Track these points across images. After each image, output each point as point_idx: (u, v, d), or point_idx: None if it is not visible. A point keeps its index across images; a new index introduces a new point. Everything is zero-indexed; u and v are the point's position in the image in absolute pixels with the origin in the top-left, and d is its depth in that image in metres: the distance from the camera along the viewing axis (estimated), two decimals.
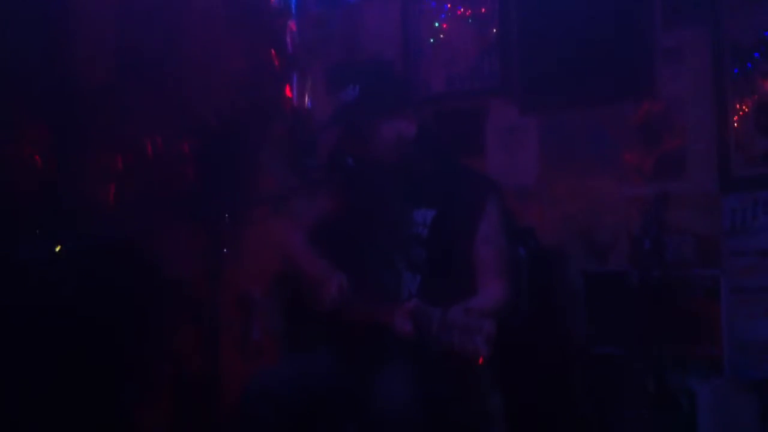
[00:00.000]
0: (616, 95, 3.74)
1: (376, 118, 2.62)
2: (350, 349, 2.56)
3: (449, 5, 4.30)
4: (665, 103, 3.63)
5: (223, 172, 3.94)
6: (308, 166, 3.89)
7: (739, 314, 3.38)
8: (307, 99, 4.53)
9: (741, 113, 3.48)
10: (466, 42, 4.19)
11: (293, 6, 4.62)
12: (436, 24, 4.30)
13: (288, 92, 4.55)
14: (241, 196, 3.51)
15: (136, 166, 4.86)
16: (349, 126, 2.67)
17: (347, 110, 2.63)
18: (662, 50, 3.63)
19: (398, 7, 4.38)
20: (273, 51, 4.70)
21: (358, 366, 2.53)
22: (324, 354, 2.60)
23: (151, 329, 3.90)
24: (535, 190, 3.91)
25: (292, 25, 4.64)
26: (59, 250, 3.20)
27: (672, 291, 3.44)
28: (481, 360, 2.13)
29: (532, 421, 3.15)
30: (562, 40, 3.86)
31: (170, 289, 3.92)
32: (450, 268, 2.63)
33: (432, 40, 4.31)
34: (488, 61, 4.11)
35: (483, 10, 4.16)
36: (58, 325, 3.79)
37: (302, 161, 3.97)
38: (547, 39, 3.91)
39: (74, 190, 4.84)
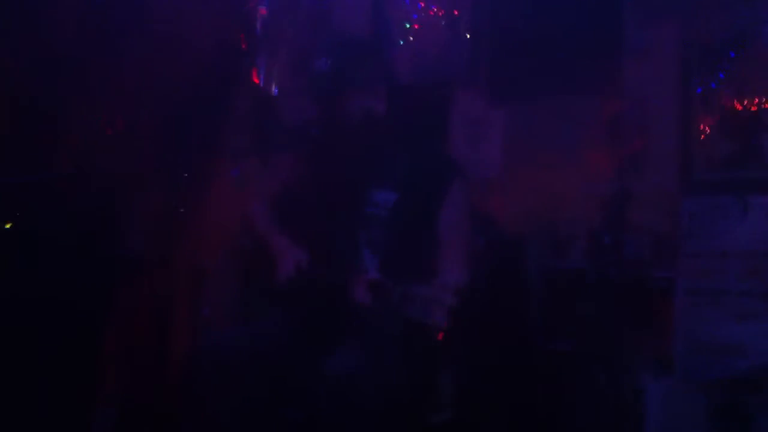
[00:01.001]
0: (583, 91, 3.76)
1: (346, 90, 2.60)
2: (304, 319, 2.53)
3: (422, 4, 4.30)
4: (631, 101, 3.66)
5: (183, 144, 3.87)
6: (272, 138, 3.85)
7: (692, 316, 3.40)
8: (273, 85, 4.48)
9: (705, 115, 3.52)
10: (436, 32, 4.18)
11: None
12: (407, 25, 4.30)
13: (254, 76, 4.49)
14: (202, 158, 3.44)
15: (95, 140, 4.78)
16: (317, 97, 2.64)
17: (317, 81, 2.61)
18: (632, 49, 3.66)
19: None
20: (241, 34, 4.65)
21: (310, 337, 2.49)
22: (277, 322, 2.55)
23: (102, 301, 3.82)
24: (497, 183, 3.91)
25: (262, 9, 4.59)
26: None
27: (628, 290, 3.46)
28: (441, 335, 2.11)
29: (480, 407, 3.13)
30: (531, 33, 3.88)
31: (123, 261, 3.84)
32: (410, 250, 2.61)
33: (406, 26, 4.30)
34: (456, 51, 4.10)
35: (456, 12, 4.17)
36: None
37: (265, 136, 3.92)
38: (516, 31, 3.92)
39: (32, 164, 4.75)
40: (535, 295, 3.62)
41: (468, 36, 4.10)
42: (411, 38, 4.20)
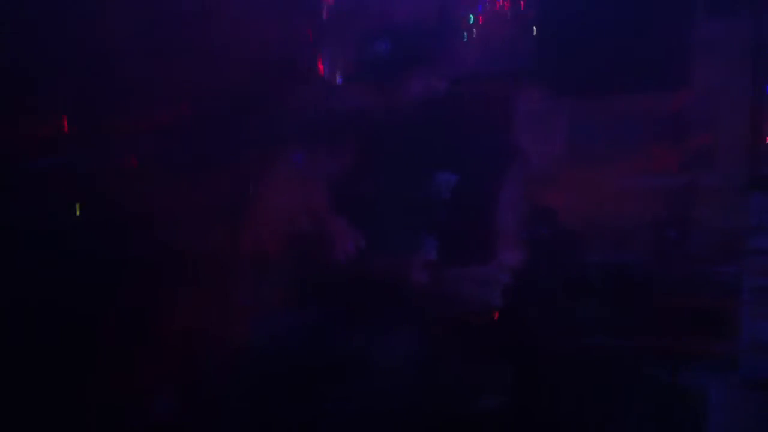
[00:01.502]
0: (649, 84, 3.70)
1: (406, 71, 2.60)
2: (361, 305, 2.53)
3: None
4: (699, 95, 3.59)
5: (248, 131, 3.92)
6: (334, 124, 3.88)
7: (758, 313, 3.32)
8: (338, 73, 4.50)
9: None
10: (501, 23, 4.16)
11: None
12: (471, 17, 4.28)
13: (320, 64, 4.52)
14: (266, 145, 3.48)
15: (161, 130, 4.87)
16: (378, 78, 2.64)
17: (378, 62, 2.61)
18: (700, 41, 3.59)
19: None
20: (307, 23, 4.68)
21: (365, 322, 2.50)
22: (334, 306, 2.57)
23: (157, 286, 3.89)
24: (559, 176, 3.86)
25: None
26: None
27: (692, 286, 3.39)
28: (497, 315, 2.09)
29: (532, 393, 3.09)
30: (598, 26, 3.83)
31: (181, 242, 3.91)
32: (467, 232, 2.60)
33: (472, 18, 4.29)
34: (521, 43, 4.07)
35: (522, 5, 4.14)
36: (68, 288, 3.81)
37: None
38: (583, 24, 3.87)
39: (93, 155, 4.86)
40: (594, 288, 3.57)
41: (534, 29, 4.07)
42: (476, 30, 4.19)
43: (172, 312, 4.11)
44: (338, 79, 4.37)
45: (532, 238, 2.91)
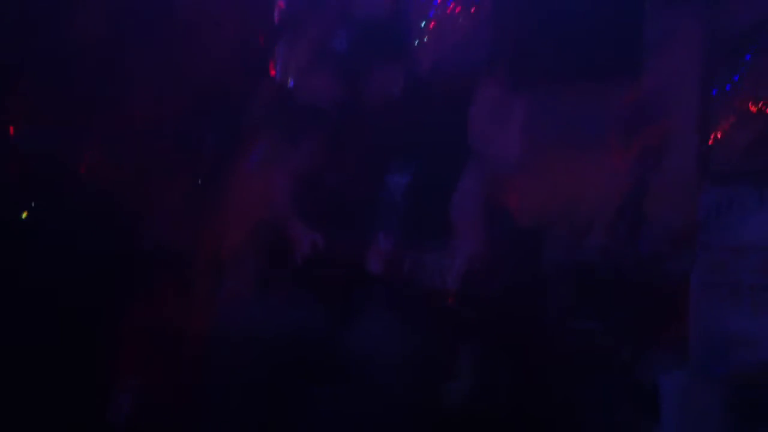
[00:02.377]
0: (602, 80, 3.72)
1: (364, 71, 2.61)
2: (324, 294, 2.56)
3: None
4: (650, 91, 3.62)
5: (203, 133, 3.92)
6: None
7: (707, 310, 3.37)
8: (290, 77, 4.50)
9: (725, 106, 3.47)
10: (457, 22, 4.17)
11: None
12: (422, 23, 4.30)
13: (271, 68, 4.51)
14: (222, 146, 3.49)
15: (124, 124, 4.84)
16: (339, 74, 2.65)
17: (339, 58, 2.62)
18: (653, 35, 3.61)
19: None
20: (258, 25, 4.67)
21: (331, 311, 2.52)
22: (294, 299, 2.59)
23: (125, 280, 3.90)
24: (515, 173, 3.88)
25: (280, 2, 4.61)
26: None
27: (643, 283, 3.44)
28: (450, 299, 2.13)
29: (494, 378, 3.12)
30: (551, 21, 3.85)
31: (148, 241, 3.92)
32: (423, 228, 2.63)
33: (423, 24, 4.30)
34: (476, 39, 4.08)
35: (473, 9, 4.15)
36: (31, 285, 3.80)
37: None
38: (536, 20, 3.89)
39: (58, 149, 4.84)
40: (550, 283, 3.61)
41: (487, 25, 4.08)
42: (431, 26, 4.20)
43: (135, 308, 4.13)
44: (290, 82, 4.37)
45: (488, 232, 2.94)
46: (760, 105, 3.36)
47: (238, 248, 3.16)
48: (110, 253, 3.87)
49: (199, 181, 3.13)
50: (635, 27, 3.65)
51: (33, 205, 4.20)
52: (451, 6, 4.25)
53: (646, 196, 3.45)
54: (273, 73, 4.38)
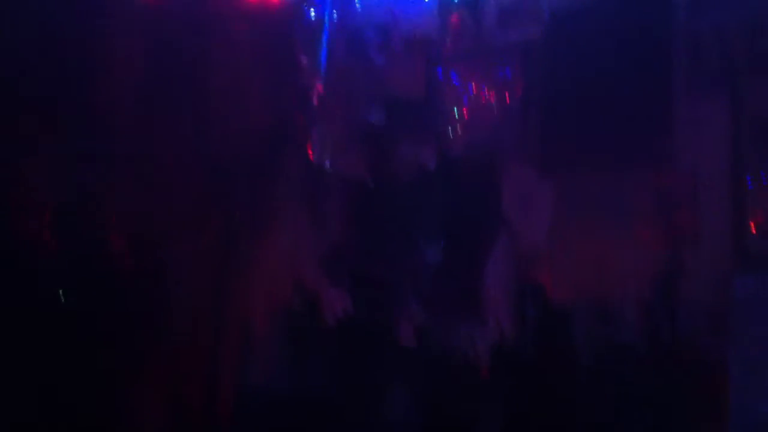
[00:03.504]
0: (633, 163, 3.77)
1: (399, 139, 2.65)
2: (352, 360, 2.52)
3: (473, 84, 4.41)
4: (683, 173, 3.65)
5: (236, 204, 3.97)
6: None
7: (745, 388, 3.30)
8: (326, 156, 4.58)
9: (758, 190, 3.49)
10: (488, 108, 4.26)
11: (322, 64, 4.71)
12: (462, 98, 4.40)
13: (308, 148, 4.60)
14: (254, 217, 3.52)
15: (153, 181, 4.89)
16: (373, 149, 2.69)
17: (373, 133, 2.66)
18: (682, 120, 3.67)
19: (425, 73, 4.48)
20: (297, 107, 4.79)
21: (358, 376, 2.48)
22: (323, 364, 2.56)
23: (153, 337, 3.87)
24: (546, 254, 3.88)
25: (319, 85, 4.74)
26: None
27: (680, 363, 3.38)
28: (484, 371, 2.09)
29: None
30: (582, 105, 3.92)
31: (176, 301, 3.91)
32: (455, 298, 2.61)
33: (456, 109, 4.40)
34: (509, 124, 4.16)
35: (505, 93, 4.25)
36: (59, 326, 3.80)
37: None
38: (567, 103, 3.97)
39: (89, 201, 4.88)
40: (582, 365, 3.55)
41: (519, 111, 4.17)
42: (465, 109, 4.29)
43: (163, 369, 4.09)
44: (326, 161, 4.45)
45: (519, 307, 2.92)
46: None
47: (268, 311, 3.15)
48: (141, 312, 3.86)
49: (234, 246, 3.14)
50: (664, 113, 3.71)
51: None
52: (485, 92, 4.36)
53: (681, 276, 3.42)
54: (309, 150, 4.47)
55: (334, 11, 4.71)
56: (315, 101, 4.66)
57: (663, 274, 3.45)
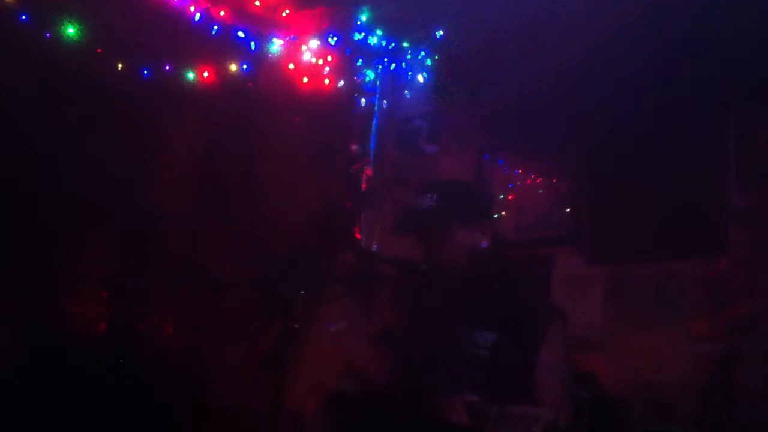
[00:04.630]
0: (686, 251, 3.74)
1: (452, 224, 2.65)
2: None
3: (520, 170, 4.46)
4: (736, 263, 3.62)
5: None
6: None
7: None
8: (375, 240, 4.62)
9: None
10: (536, 194, 4.29)
11: (372, 152, 4.80)
12: (510, 185, 4.44)
13: (357, 232, 4.65)
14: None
15: (204, 293, 4.96)
16: (424, 231, 2.70)
17: (424, 216, 2.67)
18: (734, 210, 3.65)
19: (473, 161, 4.54)
20: (347, 192, 4.86)
21: None
22: None
23: None
24: (599, 342, 3.86)
25: (368, 169, 4.81)
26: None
27: None
28: None
29: None
30: (633, 193, 3.92)
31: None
32: (509, 386, 2.57)
33: (502, 196, 4.44)
34: (558, 211, 4.18)
35: (554, 180, 4.28)
36: None
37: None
38: (618, 191, 3.97)
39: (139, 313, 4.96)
40: None
41: (567, 198, 4.19)
42: (513, 196, 4.33)
43: None
44: (374, 245, 4.49)
45: (572, 401, 2.87)
46: None
47: (317, 406, 3.13)
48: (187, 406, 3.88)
49: (282, 338, 3.16)
50: (717, 203, 3.70)
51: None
52: (532, 178, 4.39)
53: (738, 364, 3.35)
54: (359, 236, 4.51)
55: (384, 100, 4.82)
56: (364, 187, 4.73)
57: (720, 362, 3.38)
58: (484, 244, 2.67)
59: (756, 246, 3.60)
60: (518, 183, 4.40)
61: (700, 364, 3.54)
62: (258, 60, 4.77)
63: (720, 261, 3.67)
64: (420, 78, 4.69)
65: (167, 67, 4.78)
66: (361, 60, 4.90)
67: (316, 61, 4.90)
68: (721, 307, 3.62)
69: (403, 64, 4.78)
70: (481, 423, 2.17)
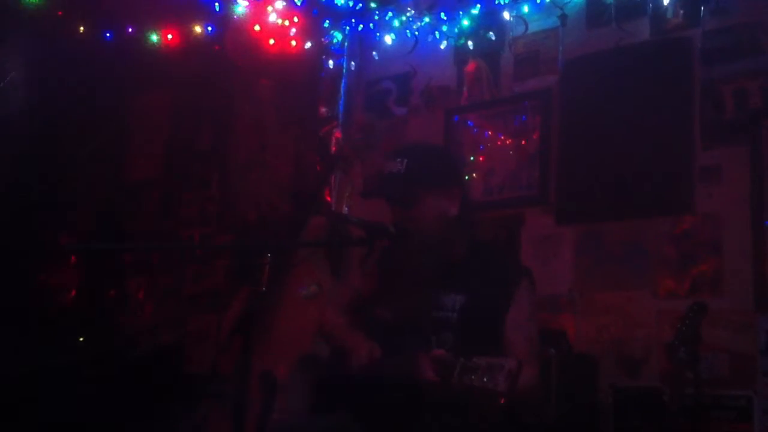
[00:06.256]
0: (653, 210, 3.77)
1: (421, 190, 2.64)
2: (375, 410, 2.51)
3: (490, 132, 4.45)
4: (702, 220, 3.66)
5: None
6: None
7: None
8: (345, 203, 4.61)
9: None
10: (505, 155, 4.29)
11: (341, 114, 4.77)
12: (480, 147, 4.44)
13: (327, 194, 4.63)
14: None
15: (172, 261, 4.95)
16: (393, 196, 2.69)
17: (393, 180, 2.66)
18: (701, 167, 3.68)
19: (442, 123, 4.53)
20: (316, 155, 4.84)
21: (382, 425, 2.47)
22: (347, 415, 2.54)
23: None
24: (568, 300, 3.89)
25: (337, 132, 4.78)
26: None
27: (705, 409, 3.34)
28: (502, 400, 2.09)
29: None
30: (600, 152, 3.94)
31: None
32: (478, 345, 2.59)
33: (472, 158, 4.43)
34: (526, 171, 4.19)
35: (523, 141, 4.28)
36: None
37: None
38: (585, 151, 3.99)
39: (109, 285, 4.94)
40: (607, 413, 3.52)
41: (536, 159, 4.19)
42: (480, 160, 4.33)
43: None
44: (345, 208, 4.48)
45: (541, 354, 2.91)
46: None
47: (290, 368, 3.14)
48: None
49: (251, 302, 3.15)
50: (684, 161, 3.73)
51: None
52: (501, 139, 4.39)
53: (704, 321, 3.40)
54: (329, 199, 4.50)
55: (352, 62, 4.78)
56: (333, 150, 4.71)
57: (686, 318, 3.42)
58: (454, 208, 2.67)
59: (721, 203, 3.64)
60: (488, 144, 4.40)
61: (666, 321, 3.59)
62: (223, 22, 4.72)
63: (686, 219, 3.71)
64: (388, 39, 4.67)
65: (130, 30, 4.71)
66: (328, 21, 4.86)
67: (282, 22, 4.85)
68: (688, 265, 3.67)
69: (371, 24, 4.75)
70: (447, 375, 2.19)
